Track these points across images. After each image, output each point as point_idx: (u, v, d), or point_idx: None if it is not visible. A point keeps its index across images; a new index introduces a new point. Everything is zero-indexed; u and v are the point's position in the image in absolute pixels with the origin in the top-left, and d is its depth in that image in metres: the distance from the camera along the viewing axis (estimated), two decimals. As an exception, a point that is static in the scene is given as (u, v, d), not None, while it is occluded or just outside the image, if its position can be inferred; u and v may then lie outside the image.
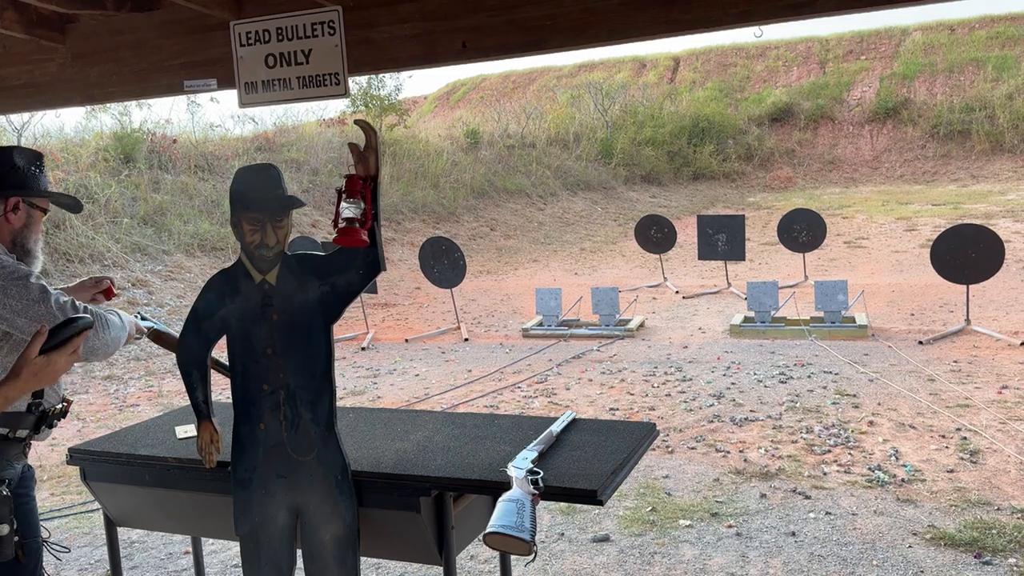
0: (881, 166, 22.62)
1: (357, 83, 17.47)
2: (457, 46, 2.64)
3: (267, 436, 2.36)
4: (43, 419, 2.24)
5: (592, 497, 2.07)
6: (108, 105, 12.64)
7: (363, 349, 8.26)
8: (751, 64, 28.13)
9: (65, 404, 2.34)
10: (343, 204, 2.16)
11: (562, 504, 4.12)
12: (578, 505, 4.11)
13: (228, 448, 2.44)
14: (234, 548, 3.89)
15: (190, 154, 13.12)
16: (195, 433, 2.77)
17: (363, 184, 2.17)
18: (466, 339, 8.47)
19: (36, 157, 2.31)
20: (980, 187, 19.20)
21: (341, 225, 2.14)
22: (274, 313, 2.33)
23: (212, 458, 2.45)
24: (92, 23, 3.10)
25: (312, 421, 2.32)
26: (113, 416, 6.29)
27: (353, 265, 2.25)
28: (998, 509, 3.86)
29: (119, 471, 2.63)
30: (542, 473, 2.13)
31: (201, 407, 2.43)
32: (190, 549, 3.90)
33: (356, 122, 2.25)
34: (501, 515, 1.90)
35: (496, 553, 3.68)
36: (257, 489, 2.39)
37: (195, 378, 2.43)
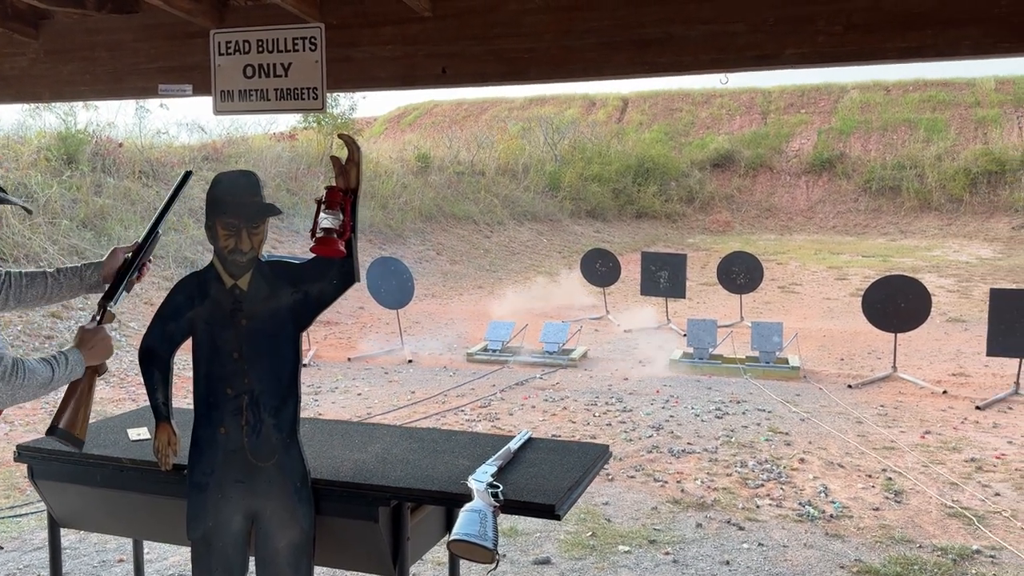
0: (815, 216, 23.43)
1: (310, 100, 17.39)
2: (437, 71, 2.73)
3: (227, 440, 2.37)
4: None
5: (550, 512, 2.14)
6: (53, 104, 12.35)
7: (304, 366, 8.19)
8: (696, 110, 28.95)
9: None
10: (322, 215, 2.21)
11: (504, 526, 4.17)
12: (520, 528, 4.17)
13: (185, 452, 2.43)
14: (172, 558, 3.82)
15: (135, 159, 12.87)
16: (148, 435, 2.76)
17: (343, 196, 2.23)
18: (410, 360, 8.47)
19: None
20: (908, 242, 20.06)
21: (319, 235, 2.19)
22: (243, 318, 2.35)
23: (168, 460, 2.44)
24: (68, 21, 3.09)
25: (275, 427, 2.34)
26: (43, 421, 6.10)
27: (327, 275, 2.29)
28: (920, 547, 4.05)
29: (69, 470, 2.59)
30: (502, 487, 2.20)
31: (161, 408, 2.43)
32: (124, 557, 3.82)
33: (340, 136, 2.31)
34: (465, 524, 1.96)
35: (437, 571, 3.71)
36: (213, 493, 2.39)
37: (156, 379, 2.43)
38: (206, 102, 3.02)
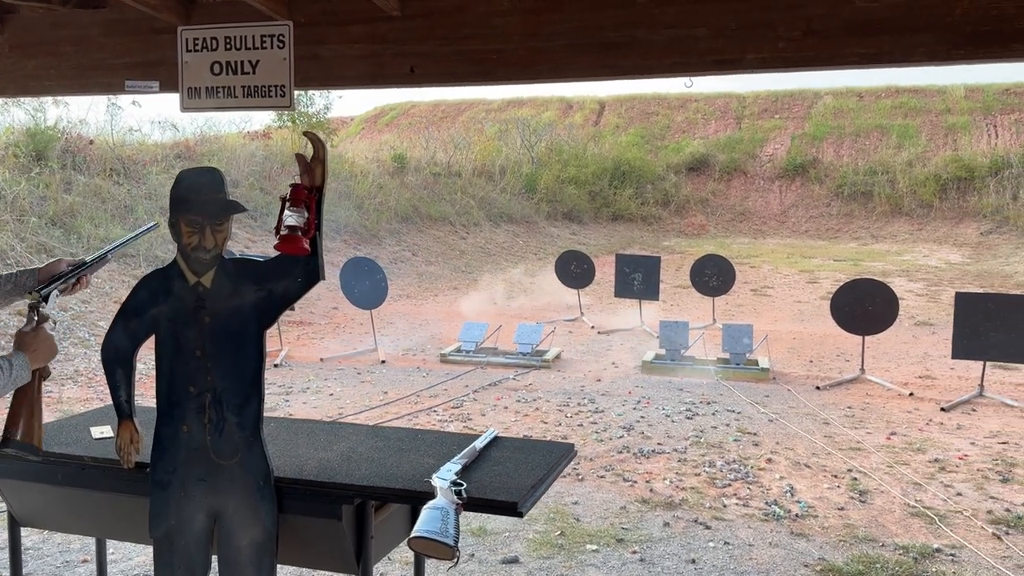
0: (788, 220, 23.67)
1: (285, 99, 17.30)
2: (405, 70, 2.74)
3: (190, 438, 2.36)
4: None
5: (513, 509, 2.15)
6: (22, 100, 12.18)
7: (276, 366, 8.14)
8: (672, 114, 29.14)
9: None
10: (287, 212, 2.21)
11: (473, 526, 4.19)
12: (489, 527, 4.19)
13: (147, 450, 2.42)
14: (136, 558, 3.79)
15: (106, 157, 12.73)
16: (111, 434, 2.74)
17: (308, 194, 2.23)
18: (383, 361, 8.45)
19: None
20: (879, 246, 20.32)
21: (283, 232, 2.19)
22: (206, 316, 2.34)
23: (131, 458, 2.42)
24: (33, 16, 3.06)
25: (238, 425, 2.33)
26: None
27: (292, 273, 2.29)
28: (882, 545, 4.12)
29: (30, 468, 2.56)
30: (465, 484, 2.21)
31: (123, 406, 2.42)
32: (88, 557, 3.79)
33: (305, 134, 2.31)
34: (426, 521, 1.97)
35: (404, 571, 3.71)
36: (176, 491, 2.38)
37: (119, 376, 2.41)
38: (177, 100, 3.01)
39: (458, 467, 2.35)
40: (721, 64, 2.37)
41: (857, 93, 27.98)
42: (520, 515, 2.17)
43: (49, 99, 12.98)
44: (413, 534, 1.95)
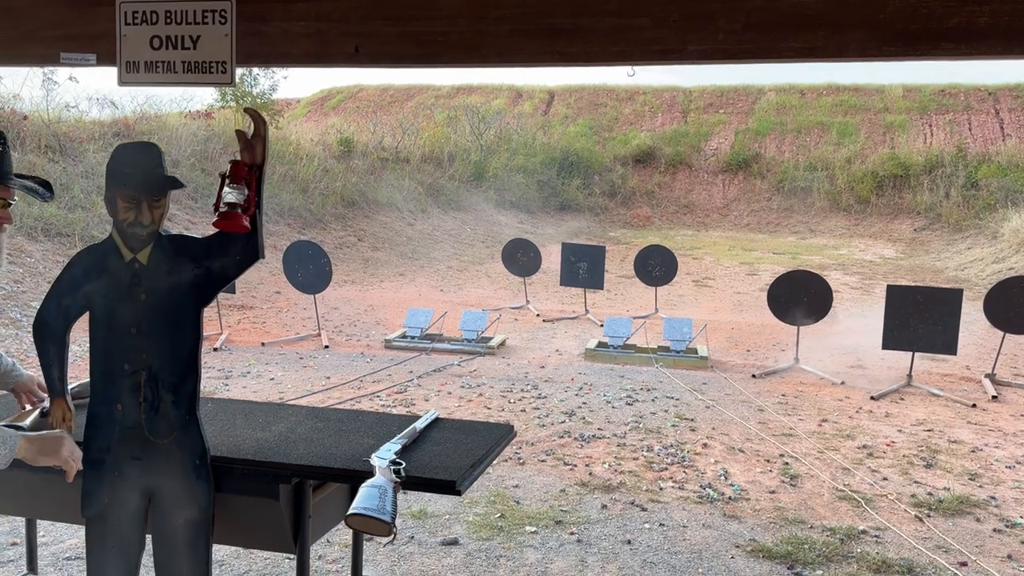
0: (730, 213, 24.09)
1: (229, 78, 16.94)
2: (349, 49, 2.71)
3: (124, 417, 2.33)
4: None
5: (451, 487, 2.17)
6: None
7: (215, 350, 8.02)
8: (620, 106, 29.36)
9: None
10: (226, 189, 2.18)
11: (414, 508, 4.21)
12: (429, 510, 4.21)
13: (80, 428, 2.38)
14: (68, 540, 3.72)
15: (41, 133, 12.32)
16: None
17: (248, 171, 2.21)
18: (326, 346, 8.39)
19: None
20: (817, 240, 20.83)
21: (222, 209, 2.17)
22: (142, 293, 2.31)
23: (62, 437, 2.38)
24: (-40, -19, 2.95)
25: (173, 404, 2.31)
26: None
27: (231, 251, 2.27)
28: (811, 527, 4.26)
29: (-45, 448, 2.49)
30: (404, 463, 2.23)
31: (56, 383, 2.37)
32: (17, 540, 3.70)
33: (246, 110, 2.28)
34: (364, 498, 1.98)
35: (344, 553, 3.71)
36: (109, 470, 2.34)
37: (52, 353, 2.37)
38: (116, 76, 2.94)
39: (398, 447, 2.37)
40: (664, 54, 2.41)
41: (799, 90, 28.56)
42: (458, 493, 2.19)
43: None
44: (350, 511, 1.96)
